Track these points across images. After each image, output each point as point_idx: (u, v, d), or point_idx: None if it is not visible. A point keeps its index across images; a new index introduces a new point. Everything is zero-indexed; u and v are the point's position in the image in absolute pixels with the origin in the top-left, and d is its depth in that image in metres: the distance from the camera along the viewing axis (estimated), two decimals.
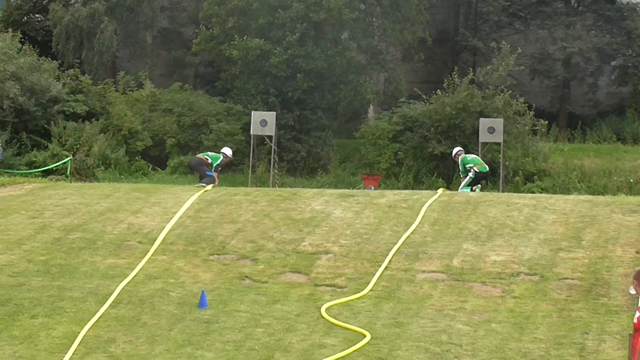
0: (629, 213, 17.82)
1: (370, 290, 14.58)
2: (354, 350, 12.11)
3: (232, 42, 37.74)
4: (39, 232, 17.38)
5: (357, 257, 15.96)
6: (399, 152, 35.62)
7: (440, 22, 46.11)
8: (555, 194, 26.16)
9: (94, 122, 34.54)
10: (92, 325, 13.03)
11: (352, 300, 14.20)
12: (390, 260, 15.66)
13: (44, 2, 42.42)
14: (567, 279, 14.74)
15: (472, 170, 24.52)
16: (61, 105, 34.38)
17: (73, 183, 26.24)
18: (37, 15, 43.19)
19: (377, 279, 14.95)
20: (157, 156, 36.33)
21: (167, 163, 35.79)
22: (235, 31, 38.11)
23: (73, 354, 12.08)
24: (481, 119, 31.61)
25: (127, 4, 40.02)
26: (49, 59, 36.87)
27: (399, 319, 13.31)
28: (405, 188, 30.79)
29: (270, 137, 32.06)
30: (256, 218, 18.08)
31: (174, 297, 14.29)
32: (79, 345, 12.34)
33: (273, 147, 32.57)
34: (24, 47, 35.77)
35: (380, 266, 15.45)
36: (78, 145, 32.73)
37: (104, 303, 13.86)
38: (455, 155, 25.69)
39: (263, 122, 31.10)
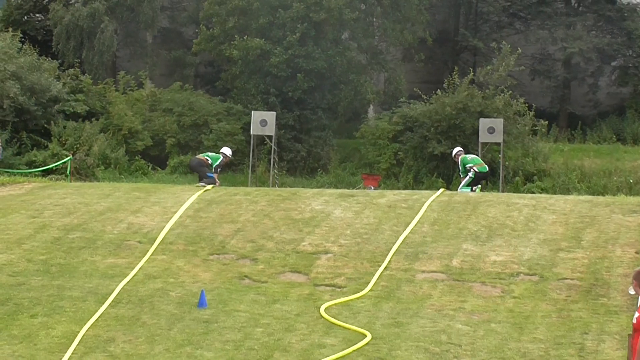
0: (628, 213, 17.82)
1: (370, 290, 14.58)
2: (354, 350, 12.11)
3: (232, 42, 37.74)
4: (39, 231, 17.39)
5: (357, 257, 15.96)
6: (399, 152, 35.63)
7: (441, 22, 46.11)
8: (555, 194, 26.15)
9: (94, 122, 34.55)
10: (92, 324, 13.04)
11: (351, 300, 14.21)
12: (389, 260, 15.67)
13: (45, 1, 42.40)
14: (566, 279, 14.75)
15: (471, 170, 24.52)
16: (61, 105, 34.39)
17: (73, 183, 26.24)
18: (37, 15, 43.20)
19: (377, 279, 14.96)
20: (157, 156, 36.34)
21: (167, 163, 35.80)
22: (236, 31, 38.12)
23: (72, 353, 12.08)
24: (481, 119, 31.60)
25: (128, 3, 40.02)
26: (49, 58, 36.86)
27: (398, 319, 13.31)
28: (405, 188, 30.78)
29: (270, 137, 32.06)
30: (256, 218, 18.08)
31: (174, 296, 14.29)
32: (78, 344, 12.34)
33: (273, 147, 32.57)
34: (24, 46, 35.77)
35: (380, 266, 15.46)
36: (78, 145, 32.74)
37: (103, 302, 13.87)
38: (455, 155, 25.68)
39: (263, 122, 31.11)
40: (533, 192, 29.07)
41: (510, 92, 34.58)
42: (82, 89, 36.02)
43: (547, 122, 37.03)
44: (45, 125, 33.31)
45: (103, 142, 33.67)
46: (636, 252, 15.66)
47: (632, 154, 36.04)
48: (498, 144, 31.57)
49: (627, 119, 40.97)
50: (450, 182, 32.56)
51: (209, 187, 21.20)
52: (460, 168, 25.21)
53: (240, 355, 12.10)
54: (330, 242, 16.67)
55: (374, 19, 40.99)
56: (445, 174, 33.86)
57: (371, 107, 41.38)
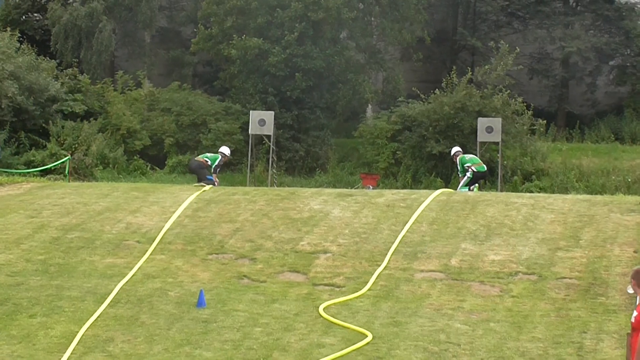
0: (627, 212, 17.83)
1: (369, 289, 14.59)
2: (354, 350, 12.11)
3: (230, 42, 37.73)
4: (37, 231, 17.39)
5: (356, 257, 15.97)
6: (397, 152, 35.63)
7: (439, 21, 46.10)
8: (553, 193, 26.14)
9: (93, 122, 34.54)
10: (91, 324, 13.03)
11: (350, 299, 14.21)
12: (388, 260, 15.67)
13: (43, 1, 42.36)
14: (565, 278, 14.76)
15: (469, 169, 24.54)
16: (59, 105, 34.38)
17: (71, 182, 26.23)
18: (35, 15, 43.17)
19: (376, 279, 14.96)
20: (155, 155, 36.32)
21: (166, 162, 35.78)
22: (234, 30, 38.11)
23: (71, 353, 12.08)
24: (479, 119, 31.62)
25: (126, 3, 39.99)
26: (48, 58, 36.86)
27: (397, 318, 13.32)
28: (404, 187, 30.78)
29: (268, 136, 32.07)
30: (254, 217, 18.08)
31: (173, 296, 14.29)
32: (77, 344, 12.34)
33: (271, 146, 32.57)
34: (22, 46, 35.75)
35: (378, 265, 15.46)
36: (76, 145, 32.73)
37: (102, 302, 13.86)
38: (453, 155, 25.69)
39: (261, 121, 31.11)
40: (531, 192, 29.08)
41: (509, 91, 34.59)
42: (80, 88, 36.01)
43: (545, 121, 37.05)
44: (44, 125, 33.31)
45: (101, 142, 33.66)
46: (634, 251, 15.67)
47: (630, 153, 36.07)
48: (496, 143, 31.58)
49: (625, 118, 41.01)
50: (449, 182, 32.57)
51: (207, 187, 21.20)
52: (458, 168, 25.22)
53: (239, 354, 12.10)
54: (329, 241, 16.67)
55: (372, 19, 40.99)
56: (444, 173, 33.87)
57: (369, 106, 41.37)
